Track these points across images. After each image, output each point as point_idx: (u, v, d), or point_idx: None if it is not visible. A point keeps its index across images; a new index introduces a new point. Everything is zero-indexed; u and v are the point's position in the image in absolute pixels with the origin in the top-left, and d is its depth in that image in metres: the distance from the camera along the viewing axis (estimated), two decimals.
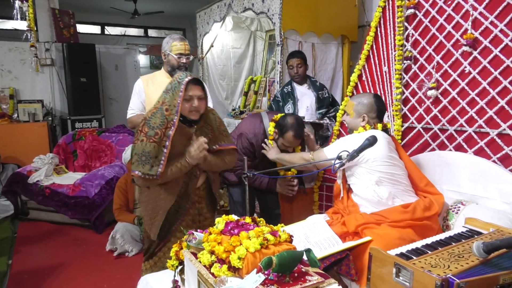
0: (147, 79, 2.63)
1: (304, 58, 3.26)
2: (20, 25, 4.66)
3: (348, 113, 2.12)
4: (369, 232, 1.75)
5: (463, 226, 1.69)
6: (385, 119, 2.57)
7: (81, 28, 8.11)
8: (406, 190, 1.93)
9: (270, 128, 2.51)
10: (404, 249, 1.46)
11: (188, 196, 2.00)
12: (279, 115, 2.53)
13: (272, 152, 2.41)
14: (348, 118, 2.11)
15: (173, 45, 2.54)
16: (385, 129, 2.04)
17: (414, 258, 1.35)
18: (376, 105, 2.05)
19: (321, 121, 3.14)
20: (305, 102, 3.24)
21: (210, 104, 2.86)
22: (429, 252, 1.41)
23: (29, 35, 4.68)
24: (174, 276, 1.57)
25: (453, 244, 1.47)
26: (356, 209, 1.96)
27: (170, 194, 1.93)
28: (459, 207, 1.95)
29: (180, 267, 1.58)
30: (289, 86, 3.29)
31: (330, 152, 2.04)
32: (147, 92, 2.58)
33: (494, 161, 2.03)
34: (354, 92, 2.77)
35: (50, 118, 5.60)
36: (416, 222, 1.78)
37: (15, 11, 4.46)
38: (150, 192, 1.96)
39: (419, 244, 1.52)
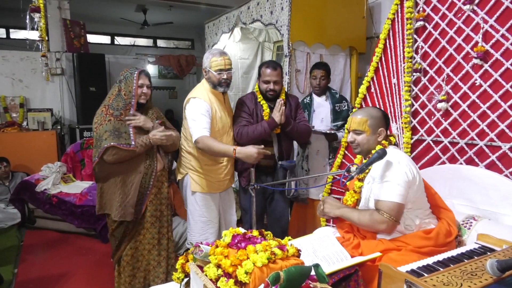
0: (210, 102, 2.48)
1: (328, 71, 3.29)
2: (32, 35, 4.73)
3: (362, 131, 1.86)
4: (387, 259, 1.66)
5: (475, 243, 1.65)
6: (394, 131, 2.55)
7: (92, 38, 8.24)
8: (428, 214, 1.85)
9: (256, 87, 2.71)
10: (415, 265, 1.42)
11: (150, 176, 2.37)
12: None
13: (333, 208, 1.92)
14: (365, 136, 1.85)
15: (213, 61, 2.43)
16: (396, 144, 1.92)
17: (426, 275, 1.31)
18: (384, 118, 1.91)
19: (333, 131, 3.11)
20: (321, 114, 3.25)
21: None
22: (441, 269, 1.37)
23: (40, 45, 4.76)
24: None
25: (465, 261, 1.43)
26: (372, 233, 1.85)
27: (137, 167, 2.32)
28: (471, 222, 1.91)
29: (185, 280, 1.56)
30: (309, 96, 3.33)
31: (399, 197, 1.71)
32: (213, 114, 2.48)
33: (506, 175, 1.99)
34: (363, 103, 2.75)
35: (59, 127, 5.66)
36: (438, 248, 1.71)
37: (27, 21, 4.55)
38: (111, 176, 2.31)
39: (430, 260, 1.48)
